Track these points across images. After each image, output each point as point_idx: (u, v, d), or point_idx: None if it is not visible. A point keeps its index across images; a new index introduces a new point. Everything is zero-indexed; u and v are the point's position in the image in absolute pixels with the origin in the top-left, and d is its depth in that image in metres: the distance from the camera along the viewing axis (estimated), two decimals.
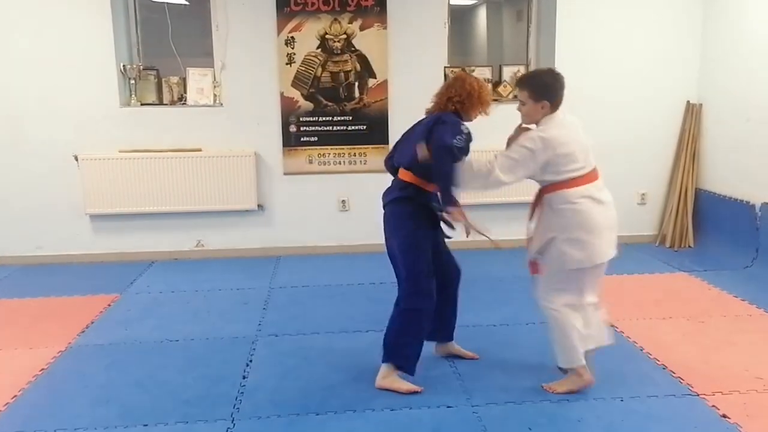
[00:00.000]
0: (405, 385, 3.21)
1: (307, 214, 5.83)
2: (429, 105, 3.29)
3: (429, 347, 3.65)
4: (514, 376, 3.38)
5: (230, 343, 3.89)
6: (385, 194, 3.32)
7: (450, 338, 3.57)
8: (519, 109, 3.15)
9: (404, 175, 3.23)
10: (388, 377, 3.23)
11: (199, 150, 5.61)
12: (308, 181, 5.78)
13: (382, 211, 3.31)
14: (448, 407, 3.06)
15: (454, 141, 3.01)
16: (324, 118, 5.67)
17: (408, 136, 3.28)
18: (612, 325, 4.05)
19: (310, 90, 5.63)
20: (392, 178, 3.36)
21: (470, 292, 4.68)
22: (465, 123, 3.14)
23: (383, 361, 3.26)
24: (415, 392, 3.18)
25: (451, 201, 3.08)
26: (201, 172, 5.58)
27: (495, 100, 5.82)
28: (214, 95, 5.65)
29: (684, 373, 3.37)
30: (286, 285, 5.02)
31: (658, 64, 5.85)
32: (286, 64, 5.58)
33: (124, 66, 5.55)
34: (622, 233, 5.87)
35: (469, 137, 3.11)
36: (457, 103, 3.17)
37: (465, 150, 3.10)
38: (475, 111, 3.22)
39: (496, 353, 3.66)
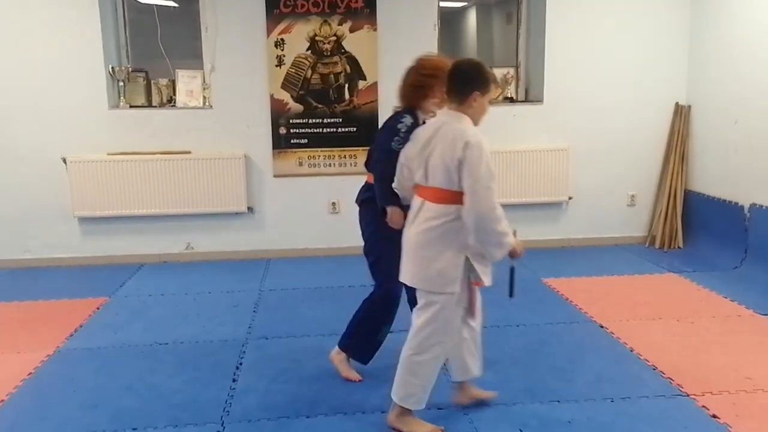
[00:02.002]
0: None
1: (297, 217, 5.82)
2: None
3: None
4: (505, 377, 3.37)
5: (220, 347, 3.87)
6: (358, 194, 3.41)
7: None
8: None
9: (371, 177, 3.30)
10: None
11: (189, 152, 5.58)
12: (298, 184, 5.77)
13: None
14: (440, 409, 3.05)
15: (392, 144, 3.05)
16: (314, 121, 5.66)
17: (373, 145, 3.34)
18: (603, 326, 4.07)
19: (300, 92, 5.62)
20: None
21: None
22: (407, 116, 3.12)
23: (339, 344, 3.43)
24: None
25: (385, 200, 3.13)
26: (190, 174, 5.55)
27: None
28: (204, 97, 5.63)
29: (674, 374, 3.38)
30: (276, 288, 5.00)
31: (647, 66, 5.88)
32: (276, 66, 5.57)
33: (112, 68, 5.52)
34: (612, 234, 6.02)
35: (409, 129, 3.08)
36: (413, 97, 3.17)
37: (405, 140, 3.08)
38: (419, 106, 3.18)
39: (486, 355, 3.63)
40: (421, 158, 2.80)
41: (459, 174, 2.64)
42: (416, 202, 2.84)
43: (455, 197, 2.68)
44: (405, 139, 3.05)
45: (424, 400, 2.86)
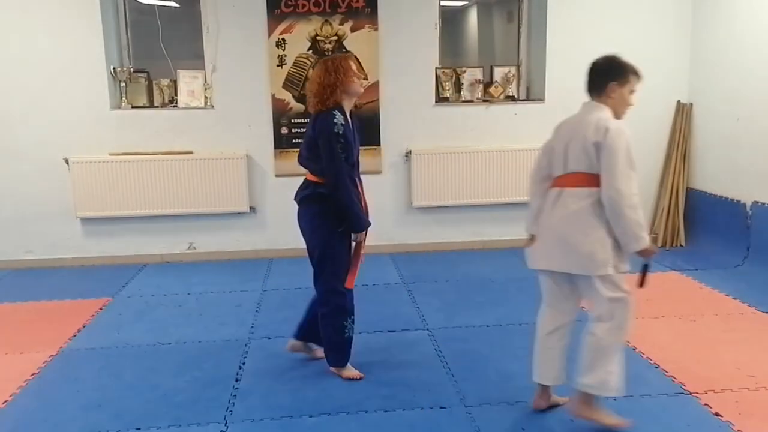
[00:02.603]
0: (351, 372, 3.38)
1: None
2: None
3: (416, 348, 3.65)
4: (508, 376, 3.38)
5: (223, 346, 3.88)
6: (298, 192, 3.41)
7: (308, 339, 3.59)
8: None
9: (311, 177, 3.31)
10: None
11: (191, 152, 5.59)
12: (300, 183, 5.75)
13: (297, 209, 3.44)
14: (442, 408, 3.06)
15: (341, 153, 3.11)
16: None
17: (305, 141, 3.33)
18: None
19: (302, 92, 5.61)
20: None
21: (463, 293, 4.71)
22: (337, 114, 3.15)
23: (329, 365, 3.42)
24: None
25: (360, 225, 3.23)
26: (192, 174, 5.56)
27: (486, 101, 5.86)
28: (205, 97, 5.63)
29: (676, 372, 3.38)
30: (278, 287, 5.01)
31: (649, 64, 5.79)
32: (277, 65, 5.57)
33: (114, 69, 5.52)
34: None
35: (345, 128, 3.15)
36: (330, 95, 3.18)
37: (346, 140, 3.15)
38: (347, 90, 3.23)
39: (489, 354, 3.66)
40: (561, 147, 2.80)
41: (597, 156, 2.67)
42: (552, 192, 2.83)
43: (595, 180, 2.70)
44: (346, 142, 3.12)
45: (612, 384, 2.78)
